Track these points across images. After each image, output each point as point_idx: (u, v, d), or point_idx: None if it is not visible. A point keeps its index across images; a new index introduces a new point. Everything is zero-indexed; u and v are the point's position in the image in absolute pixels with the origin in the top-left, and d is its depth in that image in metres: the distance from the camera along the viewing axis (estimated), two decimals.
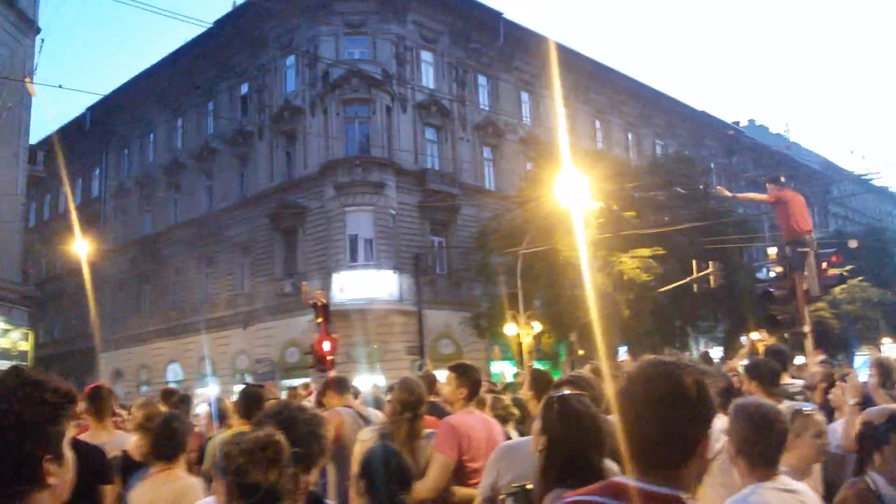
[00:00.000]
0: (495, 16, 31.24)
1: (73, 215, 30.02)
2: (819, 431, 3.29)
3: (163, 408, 6.89)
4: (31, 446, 1.41)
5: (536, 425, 2.59)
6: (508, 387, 8.11)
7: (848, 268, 21.40)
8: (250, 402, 4.84)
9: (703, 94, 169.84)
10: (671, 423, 1.52)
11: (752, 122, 61.26)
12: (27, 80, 19.12)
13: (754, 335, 21.82)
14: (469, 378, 4.32)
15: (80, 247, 25.55)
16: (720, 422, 4.16)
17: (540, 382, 4.97)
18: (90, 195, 39.90)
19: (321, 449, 2.32)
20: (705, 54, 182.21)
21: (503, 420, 5.10)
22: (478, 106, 30.80)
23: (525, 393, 5.01)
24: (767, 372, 4.63)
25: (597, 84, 36.55)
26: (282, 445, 1.95)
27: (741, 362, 9.33)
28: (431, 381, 6.40)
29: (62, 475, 1.48)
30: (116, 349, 34.56)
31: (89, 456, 3.91)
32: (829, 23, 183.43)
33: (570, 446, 2.40)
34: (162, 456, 3.68)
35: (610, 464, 2.47)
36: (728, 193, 10.35)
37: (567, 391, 2.88)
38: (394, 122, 27.44)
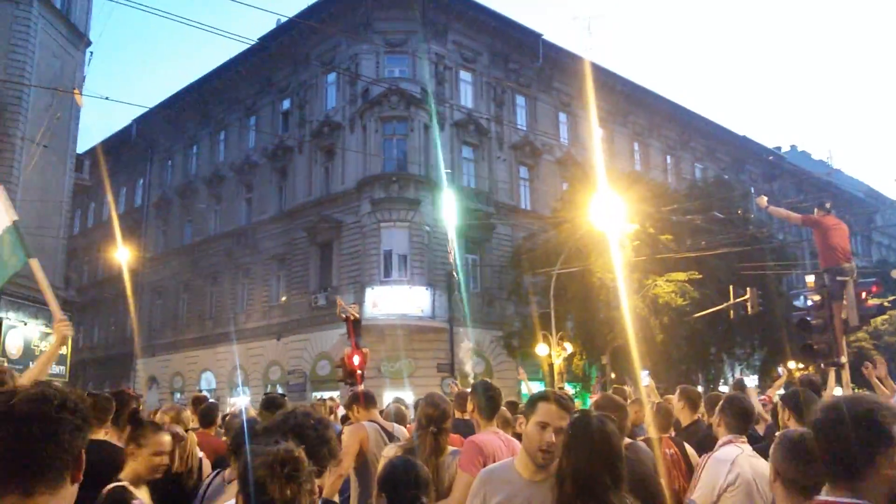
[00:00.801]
0: (535, 37, 31.36)
1: (116, 223, 30.73)
2: None
3: (190, 414, 6.99)
4: (80, 441, 1.53)
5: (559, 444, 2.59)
6: None
7: (890, 298, 20.94)
8: (274, 411, 4.89)
9: (745, 119, 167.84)
10: (839, 442, 1.93)
11: (793, 147, 60.40)
12: (76, 91, 19.69)
13: (791, 364, 21.43)
14: (479, 394, 4.31)
15: (122, 254, 26.13)
16: None
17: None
18: (133, 204, 40.79)
19: (331, 452, 2.34)
20: (747, 79, 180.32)
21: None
22: (515, 126, 30.86)
23: None
24: (803, 402, 4.55)
25: (636, 106, 36.41)
26: (301, 461, 1.95)
27: (777, 392, 9.16)
28: (464, 399, 6.38)
29: (79, 477, 1.57)
30: (152, 356, 35.12)
31: (112, 458, 3.97)
32: (873, 50, 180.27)
33: (579, 468, 2.39)
34: None
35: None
36: (764, 204, 10.25)
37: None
38: (431, 140, 27.61)
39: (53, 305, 3.75)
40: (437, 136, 27.88)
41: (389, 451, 4.24)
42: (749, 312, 21.31)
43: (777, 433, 3.09)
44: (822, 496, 1.98)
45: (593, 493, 2.35)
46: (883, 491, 1.88)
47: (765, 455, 4.17)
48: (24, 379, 3.34)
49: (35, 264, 3.88)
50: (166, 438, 3.60)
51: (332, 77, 29.62)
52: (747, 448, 4.02)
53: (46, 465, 1.47)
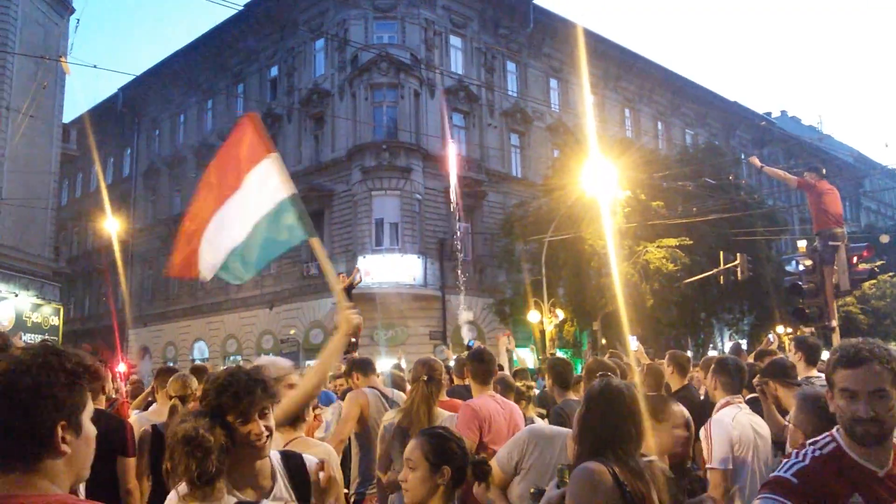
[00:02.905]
0: (525, 2, 30.99)
1: (104, 194, 30.47)
2: None
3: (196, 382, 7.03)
4: (45, 411, 1.44)
5: (581, 408, 2.62)
6: (518, 373, 8.01)
7: (878, 263, 21.10)
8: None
9: (736, 84, 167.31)
10: None
11: (784, 112, 60.34)
12: (62, 59, 19.39)
13: (780, 329, 21.65)
14: (472, 360, 4.52)
15: (111, 225, 25.96)
16: None
17: (559, 371, 5.04)
18: (121, 174, 40.42)
19: (266, 394, 2.39)
20: (738, 44, 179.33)
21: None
22: (506, 92, 30.64)
23: (547, 381, 5.06)
24: (780, 368, 4.58)
25: (627, 72, 36.18)
26: (200, 439, 2.21)
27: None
28: (463, 365, 6.44)
29: (79, 446, 1.50)
30: (144, 326, 35.12)
31: (109, 427, 4.01)
32: (866, 14, 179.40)
33: (612, 427, 2.43)
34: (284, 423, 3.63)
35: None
36: (759, 164, 10.30)
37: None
38: (421, 107, 27.41)
39: (337, 290, 3.46)
40: (428, 103, 27.68)
41: (389, 417, 4.30)
42: (739, 278, 21.45)
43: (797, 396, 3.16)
44: None
45: (623, 448, 2.41)
46: None
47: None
48: (309, 375, 3.19)
49: (316, 243, 3.64)
50: (680, 409, 3.71)
51: (320, 44, 29.24)
52: (745, 407, 4.06)
53: (50, 438, 1.45)
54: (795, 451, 2.21)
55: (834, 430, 2.20)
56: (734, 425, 3.85)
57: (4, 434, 1.42)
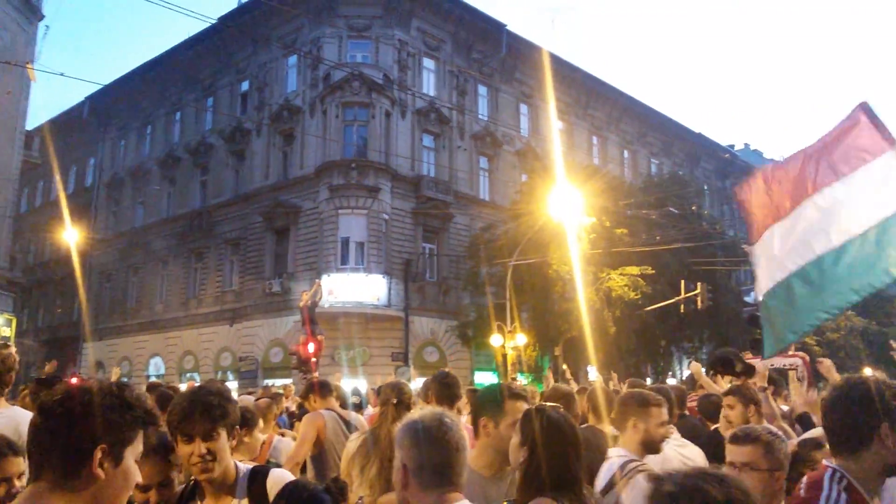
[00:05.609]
0: (498, 27, 31.36)
1: (64, 203, 29.88)
2: None
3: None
4: (85, 431, 1.50)
5: (515, 439, 2.58)
6: None
7: None
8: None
9: (700, 117, 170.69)
10: (845, 416, 2.24)
11: (747, 145, 61.77)
12: (29, 65, 19.04)
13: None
14: (436, 383, 4.53)
15: (70, 235, 25.44)
16: None
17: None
18: (83, 184, 39.73)
19: (207, 417, 2.45)
20: (704, 76, 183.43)
21: None
22: (476, 115, 30.86)
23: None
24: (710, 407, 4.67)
25: (596, 100, 36.73)
26: None
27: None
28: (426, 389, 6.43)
29: (113, 479, 1.52)
30: (100, 340, 34.34)
31: None
32: (827, 54, 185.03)
33: (551, 455, 2.40)
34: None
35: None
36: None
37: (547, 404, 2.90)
38: (392, 127, 27.47)
39: None
40: (399, 123, 27.75)
41: (352, 444, 4.23)
42: (699, 307, 21.77)
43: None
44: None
45: (567, 483, 2.38)
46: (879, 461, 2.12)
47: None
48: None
49: None
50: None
51: (293, 60, 29.21)
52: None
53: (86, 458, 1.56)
54: (827, 484, 2.17)
55: (835, 464, 2.20)
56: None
57: (48, 445, 1.50)
